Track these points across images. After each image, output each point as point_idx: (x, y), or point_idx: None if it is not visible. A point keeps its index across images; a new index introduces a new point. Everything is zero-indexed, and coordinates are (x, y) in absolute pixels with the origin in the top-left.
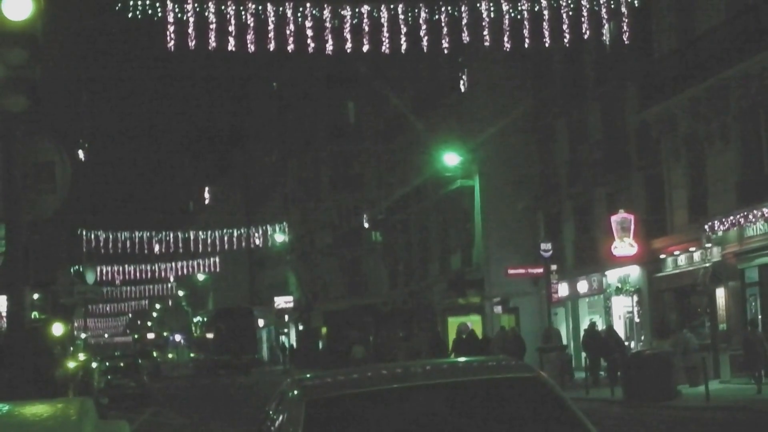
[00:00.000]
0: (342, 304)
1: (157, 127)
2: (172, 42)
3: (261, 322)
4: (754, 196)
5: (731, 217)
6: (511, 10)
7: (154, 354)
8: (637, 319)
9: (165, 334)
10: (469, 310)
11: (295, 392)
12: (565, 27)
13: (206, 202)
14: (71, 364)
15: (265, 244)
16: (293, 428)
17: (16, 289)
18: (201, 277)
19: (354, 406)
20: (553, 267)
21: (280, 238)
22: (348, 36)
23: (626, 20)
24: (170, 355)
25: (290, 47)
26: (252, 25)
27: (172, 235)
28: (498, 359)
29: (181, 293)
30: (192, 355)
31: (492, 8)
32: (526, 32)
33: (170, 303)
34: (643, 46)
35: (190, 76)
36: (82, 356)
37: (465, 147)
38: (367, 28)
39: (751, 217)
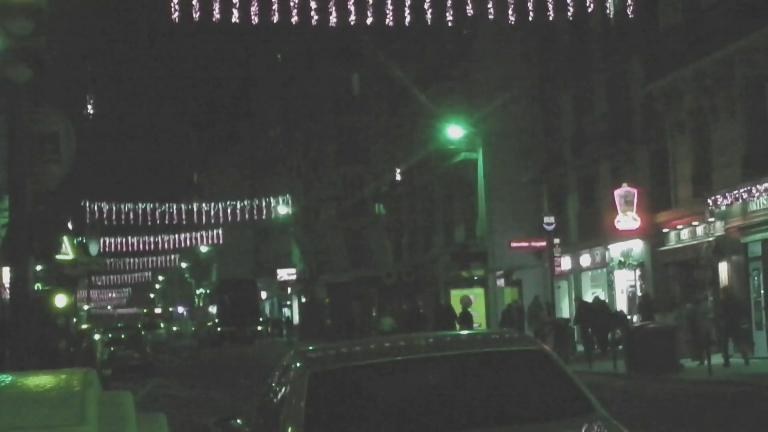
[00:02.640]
0: (346, 276)
1: (162, 99)
2: (177, 14)
3: (264, 294)
4: (758, 170)
5: (735, 192)
6: None
7: (162, 326)
8: (639, 293)
9: (170, 309)
10: (472, 283)
11: (298, 364)
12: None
13: (211, 173)
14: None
15: (269, 216)
16: (296, 400)
17: (20, 260)
18: (204, 249)
19: (357, 378)
20: (556, 240)
21: (283, 210)
22: (352, 8)
23: None
24: (174, 328)
25: (294, 19)
26: None
27: (175, 206)
28: (501, 332)
29: (184, 265)
30: (194, 327)
31: None
32: (530, 5)
33: (173, 274)
34: (648, 18)
35: (195, 48)
36: (84, 327)
37: (469, 120)
38: (371, 1)
39: (754, 191)
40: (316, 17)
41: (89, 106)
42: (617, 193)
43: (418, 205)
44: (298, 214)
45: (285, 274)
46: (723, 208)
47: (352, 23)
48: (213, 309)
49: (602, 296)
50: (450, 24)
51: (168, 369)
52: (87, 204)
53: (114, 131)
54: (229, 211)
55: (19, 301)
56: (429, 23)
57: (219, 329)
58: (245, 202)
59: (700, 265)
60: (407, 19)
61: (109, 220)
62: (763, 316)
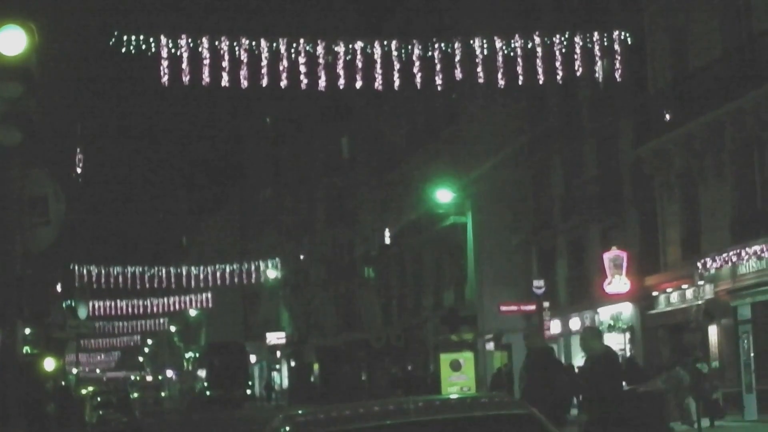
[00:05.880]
0: (335, 340)
1: (151, 162)
2: (166, 77)
3: (253, 358)
4: (747, 233)
5: (724, 255)
6: (504, 47)
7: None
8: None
9: (160, 377)
10: (461, 347)
11: (288, 428)
12: (558, 64)
13: (199, 236)
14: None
15: (258, 280)
16: None
17: (9, 323)
18: (193, 312)
19: None
20: (546, 304)
21: (272, 274)
22: (341, 72)
23: (619, 57)
24: (163, 393)
25: (283, 83)
26: (245, 60)
27: (164, 270)
28: (491, 396)
29: (173, 328)
30: (182, 389)
31: (485, 45)
32: (519, 69)
33: (162, 338)
34: (637, 82)
35: (184, 110)
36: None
37: (459, 183)
38: (360, 65)
39: (744, 254)
40: (305, 81)
41: (78, 169)
42: (606, 256)
43: (407, 268)
44: (288, 277)
45: (274, 338)
46: (712, 271)
47: (341, 87)
48: (202, 373)
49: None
50: (439, 87)
51: None
52: (76, 267)
53: (103, 194)
54: (218, 274)
55: (7, 364)
56: (418, 87)
57: (208, 393)
58: (234, 266)
59: (690, 328)
60: (396, 83)
61: (98, 283)
62: (753, 379)
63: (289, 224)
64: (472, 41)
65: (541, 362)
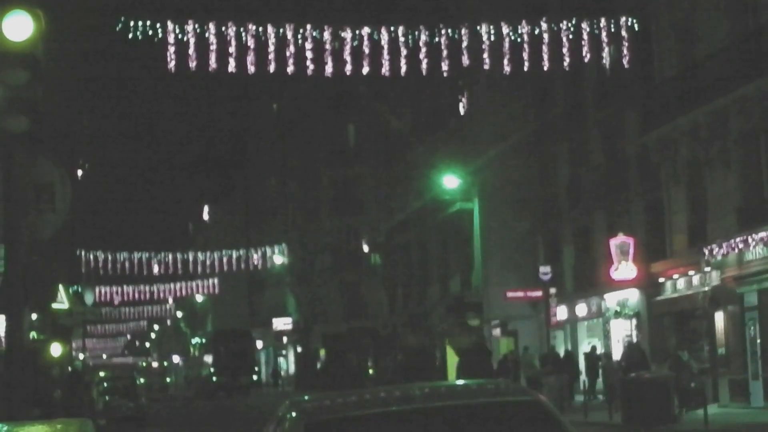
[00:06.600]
0: (341, 327)
1: (157, 148)
2: (173, 63)
3: (260, 344)
4: (753, 221)
5: (731, 241)
6: (511, 34)
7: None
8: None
9: (165, 364)
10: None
11: (294, 414)
12: (565, 51)
13: (205, 218)
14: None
15: (265, 266)
16: None
17: (16, 309)
18: (200, 298)
19: (352, 429)
20: (552, 290)
21: (279, 260)
22: (348, 58)
23: (626, 44)
24: (168, 379)
25: (290, 69)
26: (252, 46)
27: (171, 256)
28: (497, 382)
29: (179, 314)
30: (188, 375)
31: (492, 31)
32: (526, 56)
33: (169, 323)
34: (643, 70)
35: (191, 97)
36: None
37: (465, 170)
38: (367, 51)
39: (750, 241)
40: (312, 67)
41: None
42: (613, 242)
43: (413, 255)
44: (293, 264)
45: (281, 323)
46: (718, 258)
47: (348, 73)
48: (208, 359)
49: (599, 346)
50: (445, 74)
51: (163, 419)
52: (83, 253)
53: (109, 180)
54: (224, 260)
55: (14, 350)
56: (425, 74)
57: (214, 379)
58: (240, 252)
59: (696, 315)
60: (403, 70)
61: (104, 269)
62: (759, 365)
63: (295, 212)
64: (478, 27)
65: (415, 360)
